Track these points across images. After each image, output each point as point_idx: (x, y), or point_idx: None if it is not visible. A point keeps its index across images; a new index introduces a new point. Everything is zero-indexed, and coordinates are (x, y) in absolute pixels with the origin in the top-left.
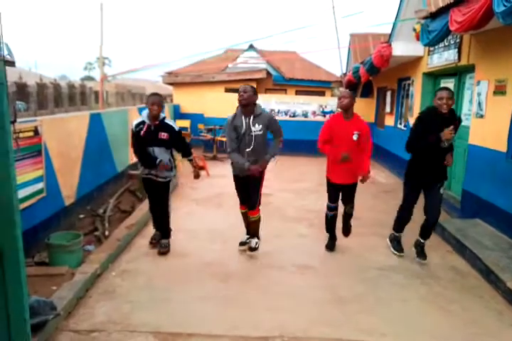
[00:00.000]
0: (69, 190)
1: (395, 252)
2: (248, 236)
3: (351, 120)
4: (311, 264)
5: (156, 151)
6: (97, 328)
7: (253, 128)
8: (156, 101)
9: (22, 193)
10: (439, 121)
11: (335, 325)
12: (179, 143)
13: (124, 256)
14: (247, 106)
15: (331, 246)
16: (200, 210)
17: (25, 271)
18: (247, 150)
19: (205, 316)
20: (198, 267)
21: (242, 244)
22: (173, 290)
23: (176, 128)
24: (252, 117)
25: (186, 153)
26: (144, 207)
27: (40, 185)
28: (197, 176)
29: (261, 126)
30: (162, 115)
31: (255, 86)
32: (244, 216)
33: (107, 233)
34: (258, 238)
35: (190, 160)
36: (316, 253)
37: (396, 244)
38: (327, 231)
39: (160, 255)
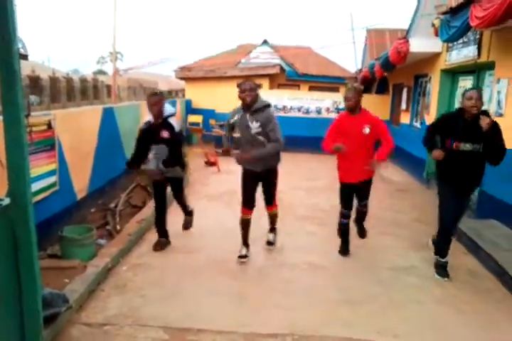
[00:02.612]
0: (81, 183)
1: (439, 277)
2: (246, 250)
3: (358, 114)
4: (322, 263)
5: (159, 149)
6: (109, 321)
7: (251, 125)
8: (154, 101)
9: (35, 186)
10: (460, 124)
11: (346, 325)
12: (177, 145)
13: (135, 250)
14: (252, 104)
15: (345, 250)
16: (211, 206)
17: (39, 263)
18: (248, 146)
19: (215, 312)
20: (209, 263)
21: (242, 257)
22: (184, 285)
23: (177, 128)
24: (248, 114)
25: (174, 161)
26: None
27: (53, 179)
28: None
29: (259, 123)
30: (166, 113)
31: (268, 81)
32: (246, 223)
33: (118, 227)
34: (275, 233)
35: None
36: (328, 251)
37: (442, 270)
38: (340, 238)
39: (184, 230)
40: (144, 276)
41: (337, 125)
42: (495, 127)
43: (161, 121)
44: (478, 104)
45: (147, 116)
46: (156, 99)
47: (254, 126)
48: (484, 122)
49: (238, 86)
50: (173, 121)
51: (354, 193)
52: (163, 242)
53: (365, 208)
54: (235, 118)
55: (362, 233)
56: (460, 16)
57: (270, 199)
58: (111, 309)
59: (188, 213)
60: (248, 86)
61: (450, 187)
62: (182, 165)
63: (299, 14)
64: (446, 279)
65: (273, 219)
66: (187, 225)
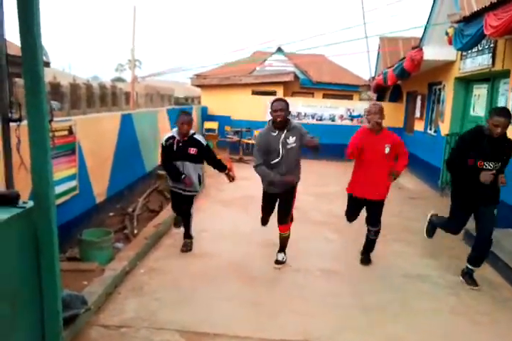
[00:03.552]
0: (100, 188)
1: (469, 286)
2: (283, 256)
3: (380, 134)
4: (337, 269)
5: (185, 166)
6: (126, 324)
7: (288, 141)
8: (186, 120)
9: (57, 190)
10: (486, 144)
11: (360, 332)
12: (209, 157)
13: (152, 254)
14: (283, 122)
15: (366, 260)
16: (225, 212)
17: (60, 265)
18: (281, 163)
19: (229, 317)
20: (224, 268)
21: (279, 262)
22: (199, 289)
23: (204, 143)
24: (285, 131)
25: (220, 168)
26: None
27: (74, 183)
28: (232, 180)
29: (294, 138)
30: (191, 131)
31: (282, 89)
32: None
33: (135, 231)
34: (285, 253)
35: (227, 174)
36: (342, 258)
37: (468, 278)
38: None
39: (182, 252)
40: (160, 280)
41: (359, 139)
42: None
43: (187, 139)
44: (504, 131)
45: (169, 132)
46: (189, 118)
47: (291, 141)
48: (484, 178)
49: (271, 103)
50: (199, 137)
51: (361, 209)
52: (180, 220)
53: (375, 236)
54: (268, 136)
55: (366, 260)
56: (474, 25)
57: (285, 217)
58: (128, 311)
59: (189, 236)
60: (279, 106)
61: (461, 200)
62: (200, 180)
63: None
64: (476, 287)
65: (284, 241)
66: (187, 248)
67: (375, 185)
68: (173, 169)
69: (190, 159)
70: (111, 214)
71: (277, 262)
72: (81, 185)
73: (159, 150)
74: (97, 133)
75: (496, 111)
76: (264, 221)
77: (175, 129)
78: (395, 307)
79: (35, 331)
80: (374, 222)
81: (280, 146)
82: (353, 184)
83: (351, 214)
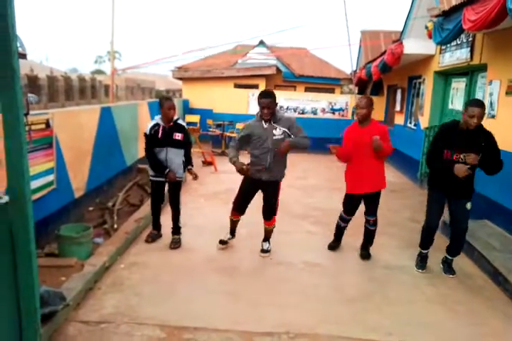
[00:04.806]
0: (79, 182)
1: (416, 269)
2: (230, 237)
3: (367, 127)
4: (318, 261)
5: (169, 152)
6: (106, 320)
7: (275, 132)
8: (172, 105)
9: (33, 185)
10: (462, 138)
11: (341, 323)
12: (189, 146)
13: (133, 249)
14: (272, 116)
15: (334, 246)
16: (207, 206)
17: (37, 261)
18: (267, 155)
19: (211, 310)
20: (205, 262)
21: (223, 242)
22: (180, 284)
23: (186, 127)
24: (272, 123)
25: (188, 161)
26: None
27: (51, 177)
28: (195, 178)
29: (282, 130)
30: (175, 117)
31: (264, 82)
32: (235, 223)
33: (115, 226)
34: (269, 242)
35: (190, 170)
36: (323, 250)
37: (420, 260)
38: (334, 236)
39: (171, 249)
40: (141, 275)
41: (347, 137)
42: (490, 138)
43: (173, 124)
44: (480, 121)
45: (152, 121)
46: (172, 103)
47: (278, 133)
48: (458, 171)
49: (258, 98)
50: (183, 122)
51: (359, 203)
52: (154, 235)
53: (373, 226)
54: (255, 126)
55: (365, 255)
56: (453, 19)
57: (270, 213)
58: (108, 307)
59: (177, 231)
60: (266, 104)
61: (436, 193)
62: (184, 167)
63: (295, 15)
64: (421, 271)
65: (268, 233)
66: (175, 245)
67: (372, 178)
68: (157, 162)
69: (174, 145)
70: (90, 208)
71: (263, 251)
72: (59, 180)
73: (141, 143)
74: (75, 127)
75: (470, 102)
76: (240, 209)
77: (158, 117)
78: (376, 299)
79: (12, 328)
80: (372, 212)
81: (266, 137)
82: (350, 183)
83: (351, 208)
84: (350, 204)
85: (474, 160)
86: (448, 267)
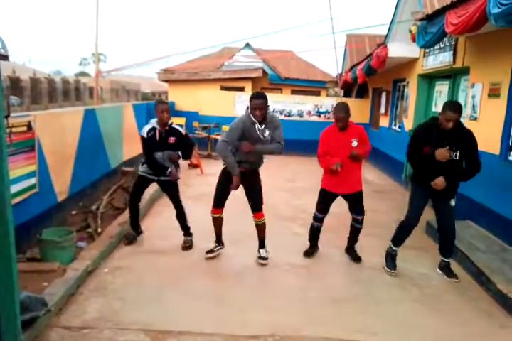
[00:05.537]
0: (62, 185)
1: (388, 270)
2: (217, 244)
3: (346, 130)
4: (305, 263)
5: (167, 154)
6: (89, 325)
7: (265, 134)
8: (166, 108)
9: (14, 188)
10: (439, 136)
11: (327, 324)
12: (185, 145)
13: (117, 253)
14: (263, 118)
15: (310, 253)
16: (194, 208)
17: (17, 267)
18: (253, 153)
19: (196, 314)
20: (190, 265)
21: (210, 251)
22: (165, 287)
23: (183, 132)
24: (264, 125)
25: (186, 155)
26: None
27: (33, 181)
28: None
29: (269, 132)
30: (169, 121)
31: (251, 85)
32: (219, 221)
33: (99, 230)
34: (266, 247)
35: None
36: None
37: (390, 260)
38: (309, 241)
39: (184, 250)
40: (125, 279)
41: (324, 138)
42: (469, 137)
43: (168, 128)
44: (455, 125)
45: (148, 125)
46: (167, 106)
47: (266, 134)
48: (440, 155)
49: (250, 99)
50: (177, 126)
51: (332, 202)
52: (131, 236)
53: (361, 225)
54: (247, 125)
55: (356, 258)
56: (436, 23)
57: (258, 204)
58: (91, 312)
59: (188, 232)
60: (258, 105)
61: (422, 190)
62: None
63: (281, 18)
64: (393, 271)
65: (261, 230)
66: (186, 244)
67: (348, 180)
68: (157, 163)
69: (170, 148)
70: (73, 212)
71: (261, 258)
72: (41, 183)
73: (125, 145)
74: (58, 129)
75: (449, 106)
76: (220, 203)
77: (154, 120)
78: (362, 300)
79: None
80: (358, 210)
81: (257, 139)
82: (326, 180)
83: (324, 207)
84: (323, 201)
85: (443, 155)
86: (448, 271)
